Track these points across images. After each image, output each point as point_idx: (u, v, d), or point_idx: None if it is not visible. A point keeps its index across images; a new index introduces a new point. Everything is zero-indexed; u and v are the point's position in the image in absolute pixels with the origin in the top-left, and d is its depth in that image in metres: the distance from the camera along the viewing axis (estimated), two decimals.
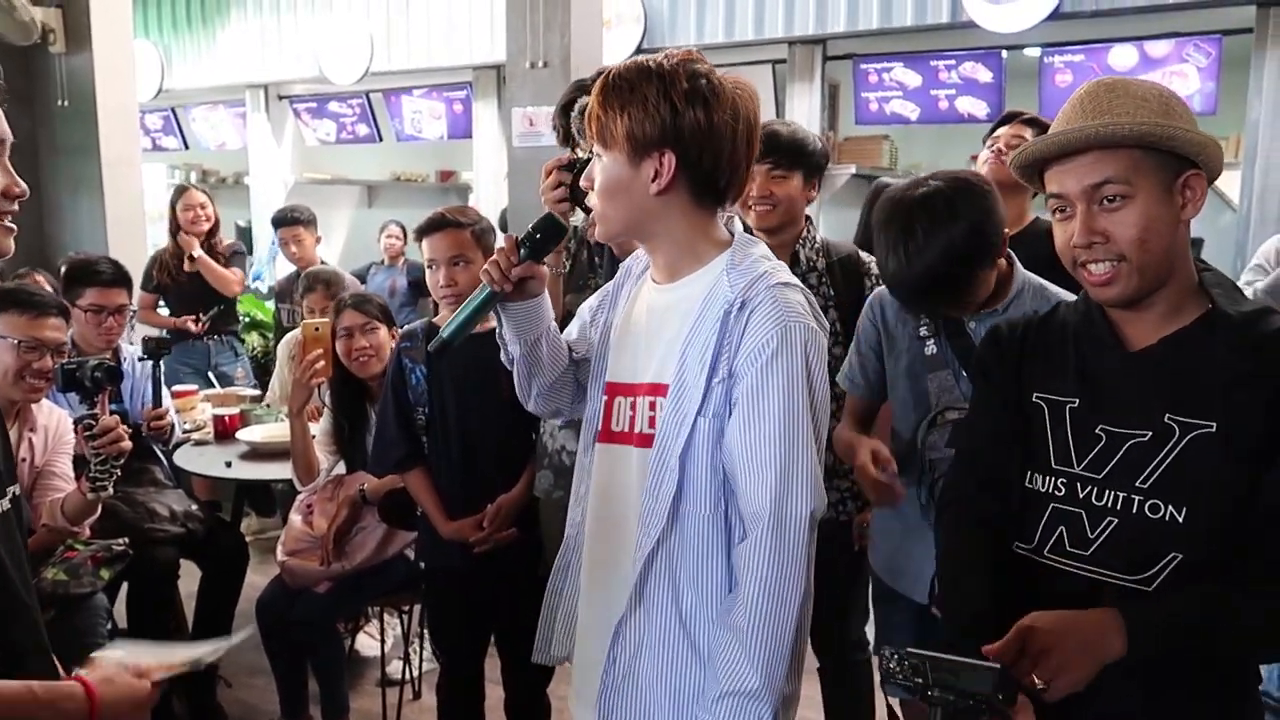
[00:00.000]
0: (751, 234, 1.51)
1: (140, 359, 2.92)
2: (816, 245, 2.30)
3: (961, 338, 1.80)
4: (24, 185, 1.17)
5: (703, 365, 1.32)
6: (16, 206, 1.18)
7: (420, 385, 2.42)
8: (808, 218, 2.32)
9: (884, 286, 1.94)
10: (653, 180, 1.32)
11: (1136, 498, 1.19)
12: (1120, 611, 1.16)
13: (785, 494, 1.27)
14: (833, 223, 6.13)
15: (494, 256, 1.43)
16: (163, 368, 3.02)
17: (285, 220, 4.80)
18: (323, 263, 4.72)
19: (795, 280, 1.36)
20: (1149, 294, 1.22)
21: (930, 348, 1.85)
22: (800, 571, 1.28)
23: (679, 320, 1.37)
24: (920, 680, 1.07)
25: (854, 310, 2.09)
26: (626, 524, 1.40)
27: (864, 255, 2.28)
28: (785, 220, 2.26)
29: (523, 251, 1.42)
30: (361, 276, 5.83)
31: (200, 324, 4.51)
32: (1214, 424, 1.16)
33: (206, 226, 4.58)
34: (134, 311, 3.24)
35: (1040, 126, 2.46)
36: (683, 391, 1.33)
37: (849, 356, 2.05)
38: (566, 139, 2.16)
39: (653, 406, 1.38)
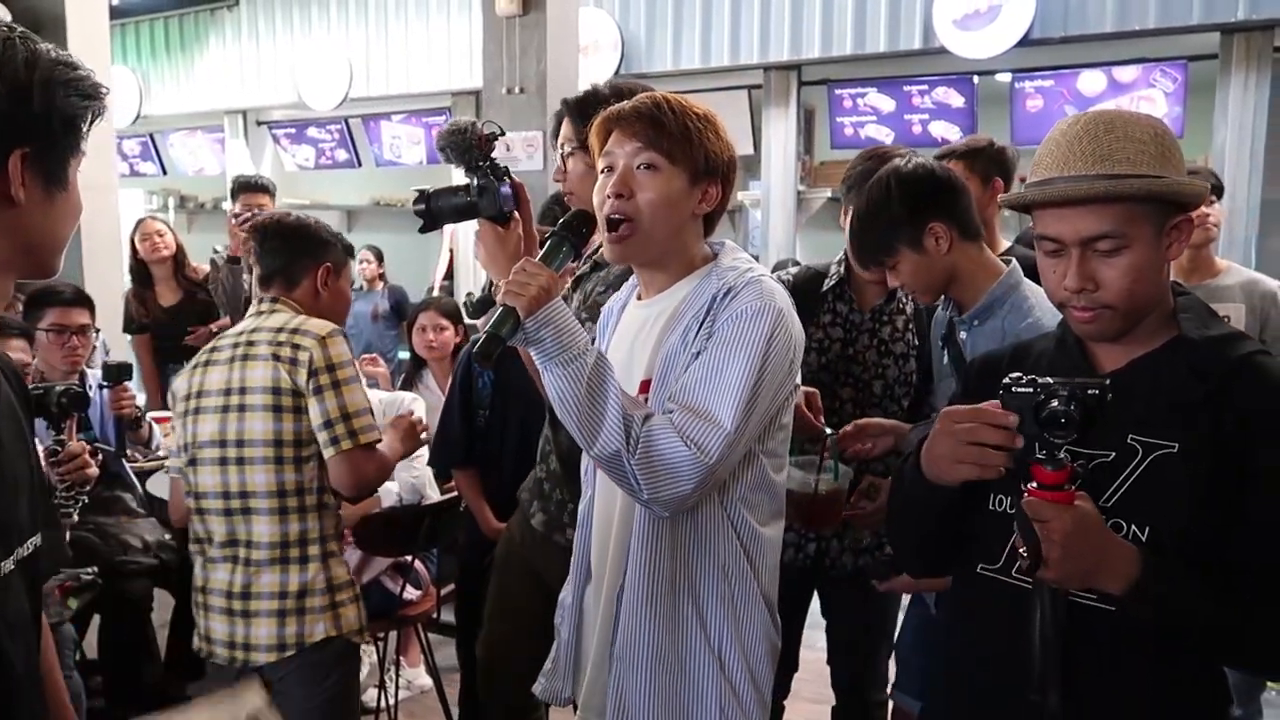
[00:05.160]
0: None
1: (102, 385, 2.89)
2: None
3: (953, 345, 1.86)
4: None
5: (685, 344, 1.40)
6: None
7: (486, 389, 2.68)
8: None
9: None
10: (700, 201, 1.45)
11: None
12: (1142, 562, 1.14)
13: (715, 437, 1.31)
14: (810, 245, 6.18)
15: None
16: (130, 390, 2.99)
17: (249, 186, 4.16)
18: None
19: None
20: (1131, 329, 1.23)
21: (944, 356, 1.91)
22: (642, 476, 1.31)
23: (666, 321, 1.46)
24: (1040, 380, 1.13)
25: None
26: (624, 519, 1.47)
27: None
28: None
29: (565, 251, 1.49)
30: None
31: (197, 334, 4.26)
32: (1175, 444, 1.18)
33: (167, 254, 4.43)
34: (98, 331, 3.20)
35: (982, 158, 2.43)
36: (668, 366, 1.42)
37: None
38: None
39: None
